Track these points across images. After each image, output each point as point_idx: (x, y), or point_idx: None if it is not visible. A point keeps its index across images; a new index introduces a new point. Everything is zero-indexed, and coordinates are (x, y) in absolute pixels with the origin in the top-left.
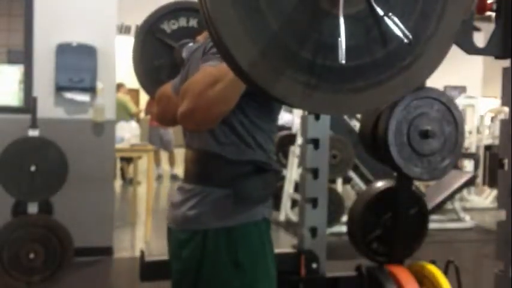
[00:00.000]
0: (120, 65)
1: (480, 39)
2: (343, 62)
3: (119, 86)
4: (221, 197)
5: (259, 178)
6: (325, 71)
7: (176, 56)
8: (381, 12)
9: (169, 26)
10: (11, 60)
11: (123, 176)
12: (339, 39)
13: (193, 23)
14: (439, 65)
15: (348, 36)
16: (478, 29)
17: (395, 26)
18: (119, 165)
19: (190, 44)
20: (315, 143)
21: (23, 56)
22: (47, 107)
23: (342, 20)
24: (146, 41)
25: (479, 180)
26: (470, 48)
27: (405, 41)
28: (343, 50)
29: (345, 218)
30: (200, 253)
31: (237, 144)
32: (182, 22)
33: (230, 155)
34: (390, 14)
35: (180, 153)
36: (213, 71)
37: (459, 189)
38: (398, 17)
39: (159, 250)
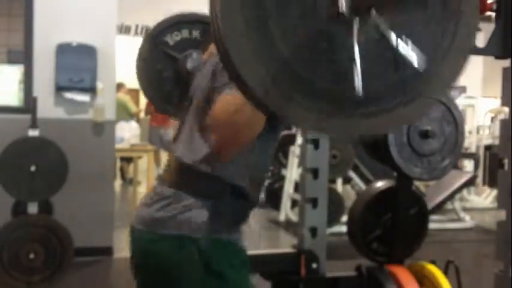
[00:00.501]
0: (120, 65)
1: (480, 39)
2: (360, 93)
3: (119, 86)
4: (192, 205)
5: (234, 202)
6: (338, 97)
7: (180, 67)
8: (393, 37)
9: (172, 38)
10: (11, 60)
11: (123, 176)
12: (355, 70)
13: (196, 34)
14: (451, 85)
15: (360, 62)
16: (478, 29)
17: (408, 50)
18: (118, 165)
19: (194, 55)
20: (315, 143)
21: (23, 56)
22: (47, 107)
23: (356, 51)
24: (150, 54)
25: (479, 180)
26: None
27: (418, 65)
28: (360, 82)
29: (345, 218)
30: (168, 259)
31: (209, 159)
32: (185, 33)
33: (208, 170)
34: (403, 37)
35: None
36: (233, 100)
37: (459, 189)
38: (411, 40)
39: None
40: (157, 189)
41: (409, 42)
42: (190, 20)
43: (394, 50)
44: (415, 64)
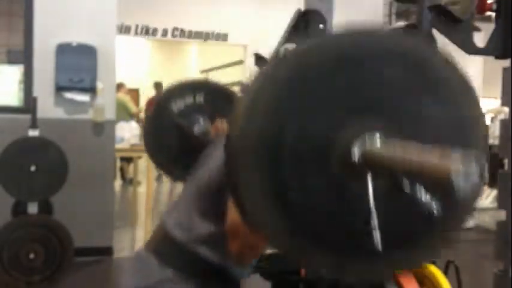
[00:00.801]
0: (120, 65)
1: (480, 39)
2: (380, 248)
3: (119, 86)
4: (175, 280)
5: (217, 284)
6: (355, 249)
7: (187, 133)
8: (407, 187)
9: (176, 105)
10: (11, 60)
11: (123, 176)
12: (372, 225)
13: (199, 99)
14: (464, 222)
15: (378, 214)
16: (478, 29)
17: (424, 198)
18: (118, 165)
19: (201, 121)
20: None
21: (23, 56)
22: (47, 107)
23: (372, 205)
24: (157, 121)
25: None
26: (470, 48)
27: (434, 213)
28: (378, 236)
29: None
30: None
31: (209, 243)
32: (189, 100)
33: (200, 250)
34: (416, 187)
35: None
36: None
37: None
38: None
39: None
40: (142, 255)
41: (422, 193)
42: (192, 86)
43: (411, 198)
44: (434, 211)
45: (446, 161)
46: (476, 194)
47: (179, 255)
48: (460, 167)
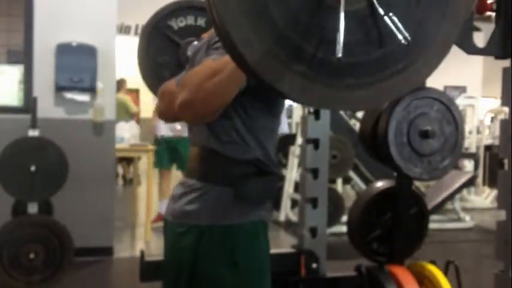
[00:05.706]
0: (121, 65)
1: (480, 39)
2: (340, 55)
3: (120, 82)
4: (220, 194)
5: (259, 180)
6: (323, 65)
7: (181, 54)
8: (381, 11)
9: (177, 23)
10: (11, 60)
11: (124, 176)
12: (338, 33)
13: (201, 22)
14: (433, 71)
15: (346, 33)
16: (478, 29)
17: (394, 26)
18: (118, 165)
19: (195, 43)
20: (315, 143)
21: (23, 56)
22: (47, 107)
23: (342, 15)
24: (153, 35)
25: (479, 180)
26: (470, 48)
27: (403, 42)
28: (341, 44)
29: (345, 218)
30: (195, 249)
31: (238, 143)
32: (190, 20)
33: (231, 154)
34: (391, 14)
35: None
36: (213, 64)
37: (459, 189)
38: (399, 19)
39: (159, 250)
40: (187, 181)
41: (396, 19)
42: (197, 6)
43: (381, 25)
44: (400, 38)
45: None
46: None
47: (215, 167)
48: None
